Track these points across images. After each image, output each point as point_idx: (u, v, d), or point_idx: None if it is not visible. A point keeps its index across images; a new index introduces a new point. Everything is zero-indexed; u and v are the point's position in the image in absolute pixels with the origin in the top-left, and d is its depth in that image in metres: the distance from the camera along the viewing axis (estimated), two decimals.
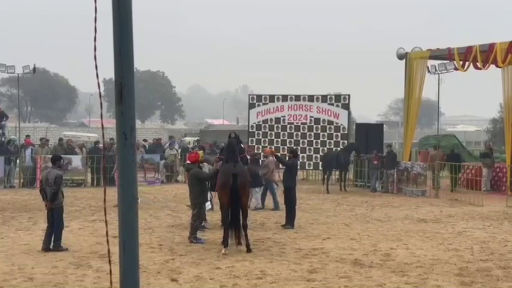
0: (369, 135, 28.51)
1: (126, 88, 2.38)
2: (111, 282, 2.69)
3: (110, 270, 2.62)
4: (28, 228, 15.85)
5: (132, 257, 2.43)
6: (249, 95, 32.20)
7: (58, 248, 12.97)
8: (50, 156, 18.62)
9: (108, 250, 2.75)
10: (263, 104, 29.84)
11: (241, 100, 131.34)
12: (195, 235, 14.16)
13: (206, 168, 16.23)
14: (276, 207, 19.39)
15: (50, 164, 15.92)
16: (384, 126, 40.55)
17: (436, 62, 27.57)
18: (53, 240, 13.11)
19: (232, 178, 13.19)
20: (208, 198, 15.77)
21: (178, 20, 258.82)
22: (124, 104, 2.39)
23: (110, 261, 2.73)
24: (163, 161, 29.34)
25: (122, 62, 2.38)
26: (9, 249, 13.11)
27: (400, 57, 27.44)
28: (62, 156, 18.40)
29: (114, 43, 2.39)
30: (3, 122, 31.95)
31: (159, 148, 30.92)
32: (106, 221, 2.93)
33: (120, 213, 2.47)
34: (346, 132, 28.72)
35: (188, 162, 15.18)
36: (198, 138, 44.72)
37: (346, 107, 28.89)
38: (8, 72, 31.54)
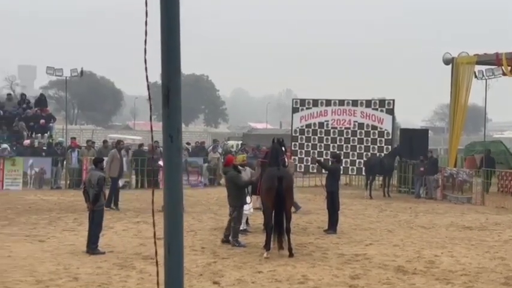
0: (414, 140, 28.19)
1: (172, 91, 2.41)
2: (158, 284, 2.71)
3: (157, 272, 2.64)
4: (74, 229, 16.12)
5: (178, 259, 2.44)
6: (293, 99, 32.16)
7: (94, 251, 12.94)
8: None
9: (156, 252, 2.77)
10: (307, 108, 29.76)
11: (284, 104, 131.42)
12: (236, 238, 14.18)
13: (248, 171, 16.20)
14: (296, 208, 19.37)
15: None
16: (429, 131, 40.04)
17: (484, 67, 27.15)
18: (89, 243, 13.11)
19: (278, 181, 13.17)
20: (247, 201, 15.75)
21: (224, 24, 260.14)
22: (170, 107, 2.42)
23: (157, 262, 2.75)
24: (206, 164, 29.51)
25: (169, 65, 2.40)
26: (55, 249, 13.35)
27: (447, 62, 27.09)
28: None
29: (161, 46, 2.41)
30: (50, 124, 32.57)
31: (202, 151, 31.10)
32: (154, 223, 2.96)
33: (166, 214, 2.49)
34: (390, 137, 28.45)
35: (225, 165, 15.23)
36: (241, 141, 44.86)
37: (391, 112, 28.62)
38: (56, 75, 32.18)
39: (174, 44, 2.38)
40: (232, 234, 14.21)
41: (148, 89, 2.70)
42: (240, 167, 16.13)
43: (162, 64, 2.42)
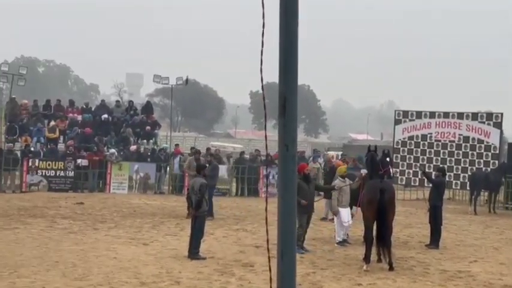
0: None
1: (289, 101, 2.44)
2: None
3: (270, 278, 2.66)
4: (176, 234, 16.50)
5: (290, 267, 2.47)
6: (395, 111, 31.67)
7: (195, 256, 13.16)
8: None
9: (269, 258, 2.82)
10: (409, 120, 29.24)
11: (385, 115, 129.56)
12: (298, 243, 13.91)
13: (347, 181, 16.10)
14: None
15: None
16: None
17: None
18: (190, 248, 13.36)
19: (380, 193, 13.01)
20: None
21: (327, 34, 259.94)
22: (287, 117, 2.45)
23: (270, 268, 2.77)
24: None
25: (287, 75, 2.44)
26: (158, 253, 13.71)
27: None
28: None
29: (279, 56, 2.45)
30: (156, 131, 33.56)
31: (302, 161, 31.09)
32: (267, 230, 2.99)
33: (280, 222, 2.52)
34: (497, 152, 27.49)
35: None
36: (342, 152, 44.58)
37: (499, 125, 27.65)
38: (162, 83, 33.05)
39: (292, 53, 2.41)
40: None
41: (264, 98, 2.75)
42: (340, 178, 16.11)
43: (279, 74, 2.46)
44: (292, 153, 2.45)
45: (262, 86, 2.65)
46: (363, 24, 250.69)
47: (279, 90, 2.48)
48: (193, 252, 13.30)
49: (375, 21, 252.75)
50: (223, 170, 27.51)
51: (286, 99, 2.43)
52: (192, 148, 30.39)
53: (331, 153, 54.58)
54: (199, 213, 13.54)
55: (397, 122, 29.62)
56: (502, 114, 27.94)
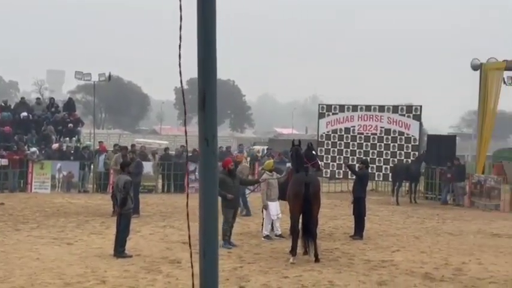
0: (441, 147, 28.01)
1: (208, 96, 2.43)
2: (193, 285, 2.73)
3: (192, 274, 2.65)
4: (101, 232, 16.24)
5: (212, 263, 2.45)
6: (319, 105, 32.11)
7: (121, 255, 13.03)
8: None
9: (191, 254, 2.80)
10: (333, 113, 29.70)
11: (310, 110, 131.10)
12: (225, 238, 14.36)
13: (275, 175, 16.30)
14: (247, 213, 19.76)
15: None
16: (457, 138, 39.68)
17: None
18: (116, 246, 13.22)
19: (305, 187, 13.18)
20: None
21: (252, 28, 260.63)
22: (206, 111, 2.44)
23: (192, 265, 2.76)
24: None
25: (205, 70, 2.42)
26: (83, 252, 13.47)
27: (475, 68, 26.88)
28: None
29: (198, 51, 2.43)
30: (78, 128, 32.89)
31: (228, 156, 31.09)
32: (189, 226, 2.98)
33: (201, 218, 2.51)
34: (417, 143, 28.28)
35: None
36: (268, 146, 44.89)
37: (418, 118, 28.45)
38: (84, 80, 32.39)
39: (210, 48, 2.39)
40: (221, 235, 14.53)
41: (183, 94, 2.73)
42: (268, 172, 16.26)
43: (198, 68, 2.45)
44: (212, 148, 2.44)
45: (181, 80, 2.63)
46: (286, 22, 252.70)
47: (198, 85, 2.46)
48: (119, 250, 13.14)
49: (301, 20, 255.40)
50: (148, 167, 27.23)
51: (206, 94, 2.42)
52: (115, 145, 29.92)
53: (257, 147, 54.99)
54: (124, 211, 13.39)
55: (321, 115, 30.04)
56: (421, 106, 28.73)
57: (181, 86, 2.66)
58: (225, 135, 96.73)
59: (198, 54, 2.43)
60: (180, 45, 2.55)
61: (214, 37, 2.41)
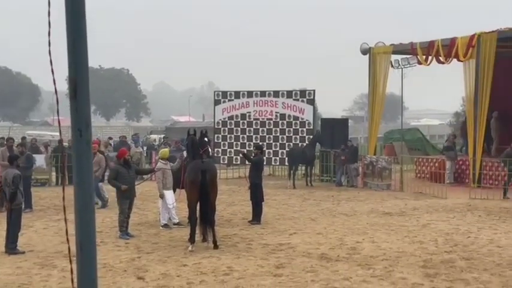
0: (334, 130, 28.73)
1: (80, 84, 2.35)
2: (72, 281, 2.65)
3: (71, 269, 2.58)
4: None
5: (90, 256, 2.39)
6: (215, 92, 32.11)
7: (13, 251, 12.66)
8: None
9: (69, 249, 2.71)
10: (228, 100, 29.78)
11: (207, 97, 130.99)
12: (122, 229, 14.46)
13: (169, 165, 16.22)
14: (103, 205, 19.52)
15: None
16: (349, 121, 40.81)
17: (400, 57, 27.82)
18: (7, 243, 12.84)
19: (201, 174, 13.18)
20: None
21: (143, 18, 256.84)
22: (78, 101, 2.36)
23: (70, 260, 2.68)
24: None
25: (75, 57, 2.34)
26: None
27: (364, 52, 27.67)
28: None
29: (67, 40, 2.35)
30: None
31: (125, 145, 30.63)
32: (66, 220, 2.90)
33: (77, 211, 2.44)
34: (311, 127, 28.81)
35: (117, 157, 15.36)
36: (164, 135, 44.49)
37: (312, 102, 28.98)
38: None
39: (80, 35, 2.31)
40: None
41: (54, 82, 2.64)
42: (162, 161, 16.14)
43: (69, 57, 2.36)
44: (86, 139, 2.36)
45: (52, 70, 2.53)
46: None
47: (68, 74, 2.38)
48: (11, 247, 12.73)
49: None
50: (41, 160, 26.37)
51: (77, 83, 2.34)
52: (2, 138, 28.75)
53: (153, 136, 54.44)
54: (14, 206, 12.96)
55: (217, 102, 30.05)
56: (314, 91, 29.27)
57: (53, 76, 2.56)
58: (120, 125, 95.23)
59: (67, 43, 2.35)
60: (49, 51, 2.49)
61: (84, 23, 2.32)
